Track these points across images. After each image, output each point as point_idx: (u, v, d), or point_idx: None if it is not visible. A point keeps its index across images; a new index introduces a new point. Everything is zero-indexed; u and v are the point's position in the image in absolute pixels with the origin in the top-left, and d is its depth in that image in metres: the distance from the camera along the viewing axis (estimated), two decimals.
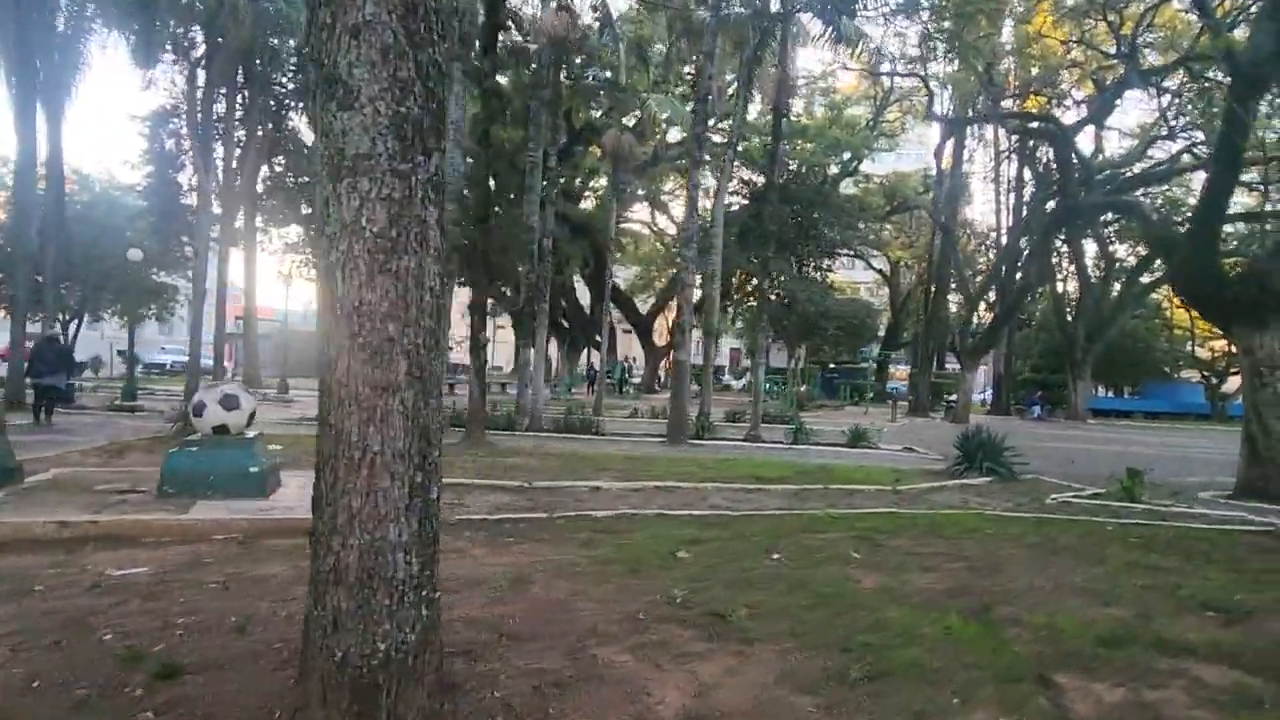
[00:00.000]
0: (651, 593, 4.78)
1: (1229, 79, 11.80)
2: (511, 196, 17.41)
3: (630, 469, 10.40)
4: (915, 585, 5.26)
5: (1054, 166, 23.55)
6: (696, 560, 5.65)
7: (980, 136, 34.93)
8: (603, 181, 39.64)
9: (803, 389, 29.28)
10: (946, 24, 22.95)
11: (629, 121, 26.49)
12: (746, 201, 29.70)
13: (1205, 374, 38.60)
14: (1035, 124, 24.16)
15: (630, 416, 21.72)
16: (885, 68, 22.24)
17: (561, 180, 43.34)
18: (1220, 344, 49.31)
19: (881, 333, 46.43)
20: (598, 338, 44.86)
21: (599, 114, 26.81)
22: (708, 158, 23.76)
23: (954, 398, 27.64)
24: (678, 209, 42.27)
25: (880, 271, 49.78)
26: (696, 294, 19.65)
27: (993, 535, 7.03)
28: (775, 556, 5.87)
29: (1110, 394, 46.80)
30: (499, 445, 12.62)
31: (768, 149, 28.85)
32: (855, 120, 33.82)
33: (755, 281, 29.38)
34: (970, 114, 25.35)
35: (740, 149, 30.38)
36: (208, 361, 36.99)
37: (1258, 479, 9.83)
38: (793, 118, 31.27)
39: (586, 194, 41.37)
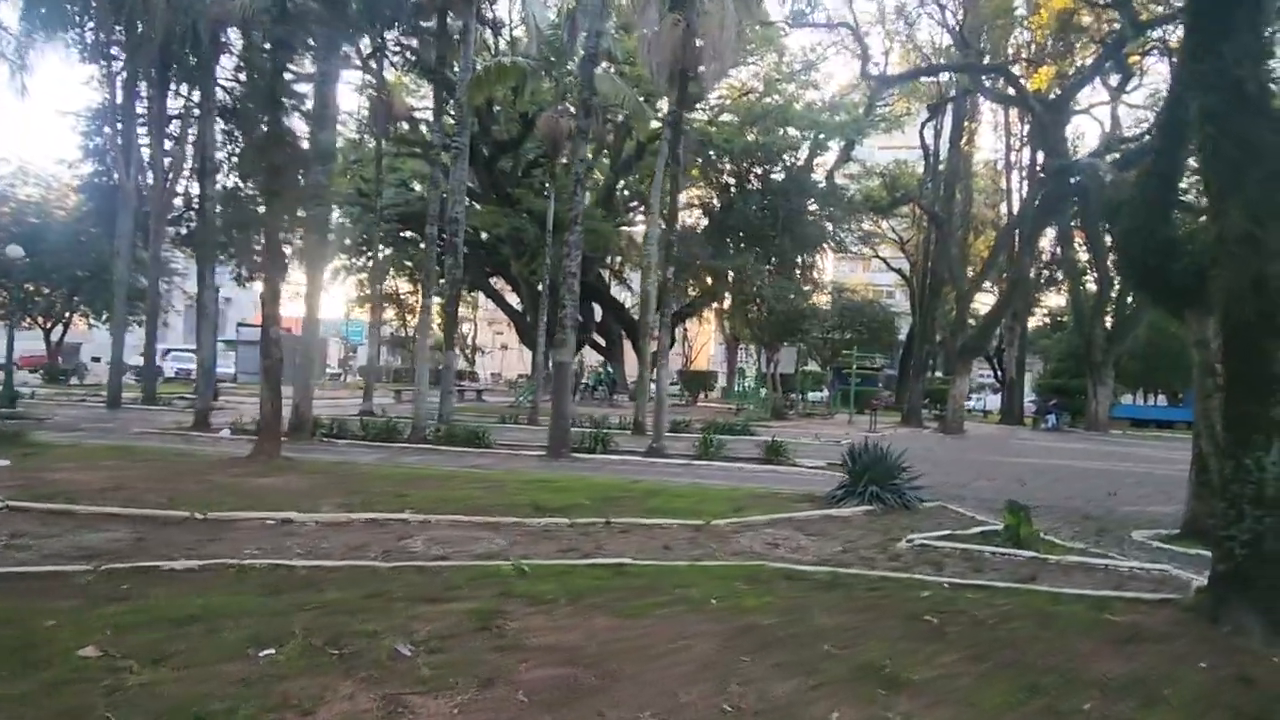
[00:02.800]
0: None
1: None
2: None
3: (387, 494, 8.30)
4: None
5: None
6: (102, 661, 3.54)
7: (993, 120, 31.96)
8: (596, 178, 37.82)
9: (779, 395, 26.70)
10: None
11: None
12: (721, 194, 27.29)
13: None
14: (986, 78, 21.06)
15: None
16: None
17: (541, 175, 41.58)
18: None
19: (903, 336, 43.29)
20: (598, 339, 42.90)
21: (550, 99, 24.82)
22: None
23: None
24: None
25: (899, 272, 46.61)
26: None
27: (718, 608, 4.74)
28: (266, 652, 3.71)
29: (1153, 401, 42.76)
30: (298, 462, 10.63)
31: (729, 141, 26.54)
32: (850, 106, 31.15)
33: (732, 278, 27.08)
34: (928, 77, 22.42)
35: (713, 137, 28.15)
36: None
37: (1206, 516, 7.18)
38: (771, 100, 28.86)
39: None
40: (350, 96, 51.15)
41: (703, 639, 4.16)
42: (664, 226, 15.91)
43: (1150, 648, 4.39)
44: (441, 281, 17.57)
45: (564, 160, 22.32)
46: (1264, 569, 4.74)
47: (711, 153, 26.61)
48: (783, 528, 7.44)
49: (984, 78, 20.53)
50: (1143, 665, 4.11)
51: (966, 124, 26.88)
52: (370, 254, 37.70)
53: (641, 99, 22.55)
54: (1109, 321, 29.13)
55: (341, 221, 38.58)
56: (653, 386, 16.45)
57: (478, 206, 35.39)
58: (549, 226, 20.83)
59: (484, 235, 38.33)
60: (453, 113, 20.02)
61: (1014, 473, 13.91)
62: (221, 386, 31.08)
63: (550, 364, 40.57)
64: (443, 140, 14.89)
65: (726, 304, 35.51)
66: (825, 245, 28.59)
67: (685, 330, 51.45)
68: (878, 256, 46.71)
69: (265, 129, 9.67)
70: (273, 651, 3.72)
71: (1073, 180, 15.83)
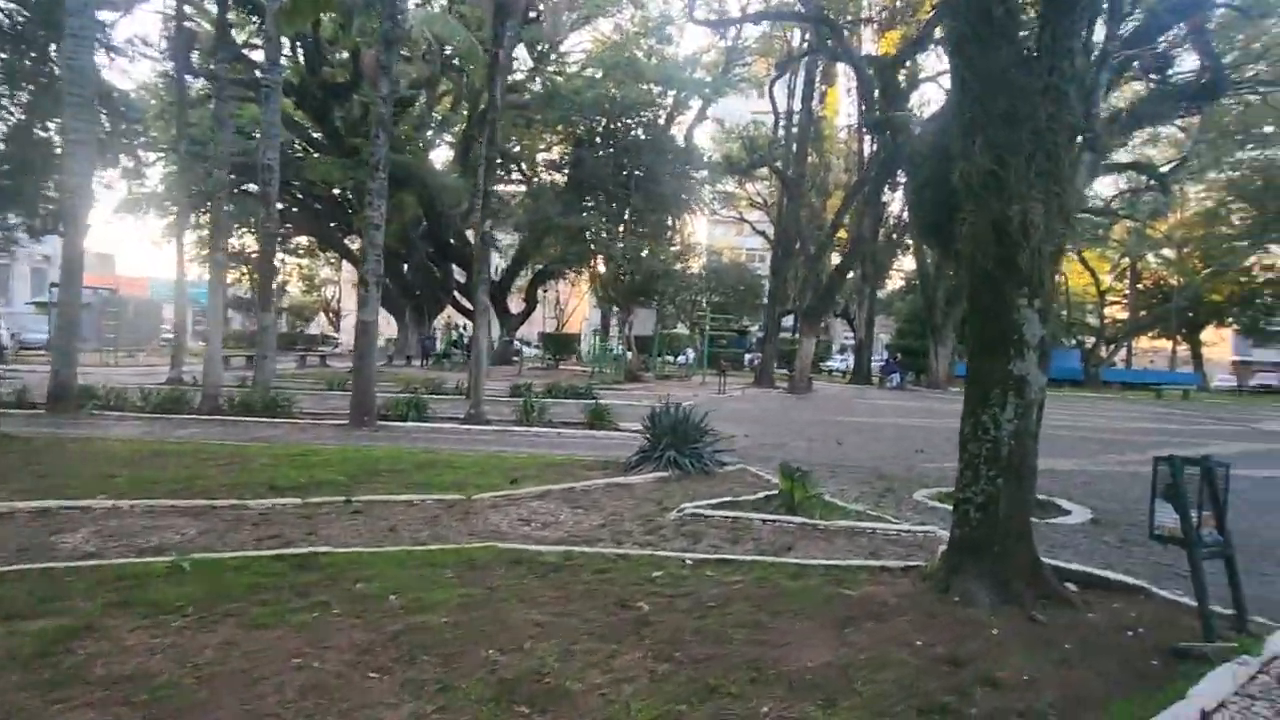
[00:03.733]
0: None
1: None
2: None
3: (96, 476, 7.06)
4: None
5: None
6: None
7: (847, 84, 32.32)
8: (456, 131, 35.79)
9: (635, 356, 26.31)
10: None
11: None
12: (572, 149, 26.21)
13: (1079, 339, 37.26)
14: (827, 35, 21.02)
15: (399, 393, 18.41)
16: None
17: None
18: (1112, 310, 48.46)
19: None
20: (464, 304, 41.03)
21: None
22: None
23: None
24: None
25: (764, 235, 47.18)
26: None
27: (392, 606, 3.98)
28: None
29: None
30: (13, 438, 9.04)
31: (577, 93, 25.55)
32: (712, 66, 30.68)
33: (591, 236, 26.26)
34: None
35: (560, 87, 27.02)
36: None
37: None
38: (628, 55, 27.94)
39: (438, 144, 37.54)
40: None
41: (336, 652, 3.39)
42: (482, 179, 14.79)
43: (870, 626, 3.99)
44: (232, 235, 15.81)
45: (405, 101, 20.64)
46: (995, 534, 4.45)
47: (568, 106, 25.43)
48: (551, 500, 6.78)
49: (826, 36, 20.41)
50: (852, 650, 3.68)
51: (819, 85, 27.02)
52: (203, 209, 34.48)
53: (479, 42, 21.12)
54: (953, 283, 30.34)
55: (168, 171, 35.08)
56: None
57: (329, 160, 32.80)
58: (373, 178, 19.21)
59: (336, 191, 35.74)
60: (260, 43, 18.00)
61: (838, 432, 13.94)
62: (32, 355, 27.88)
63: (398, 327, 38.43)
64: (223, 69, 13.18)
65: (601, 265, 34.83)
66: (687, 205, 28.21)
67: (553, 291, 50.25)
68: (744, 220, 47.09)
69: None
70: None
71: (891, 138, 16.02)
